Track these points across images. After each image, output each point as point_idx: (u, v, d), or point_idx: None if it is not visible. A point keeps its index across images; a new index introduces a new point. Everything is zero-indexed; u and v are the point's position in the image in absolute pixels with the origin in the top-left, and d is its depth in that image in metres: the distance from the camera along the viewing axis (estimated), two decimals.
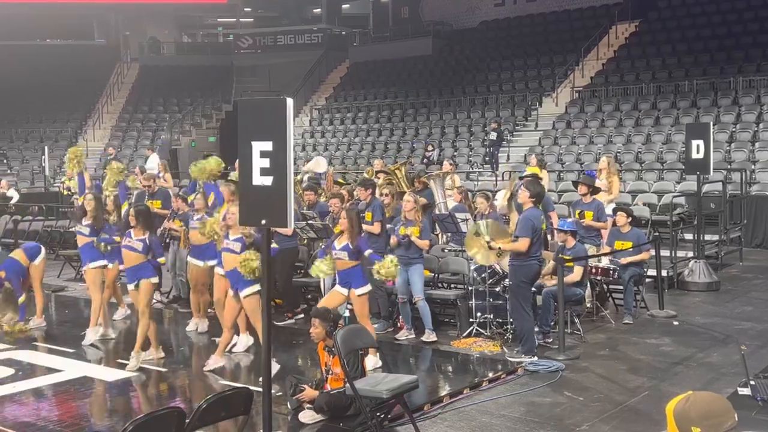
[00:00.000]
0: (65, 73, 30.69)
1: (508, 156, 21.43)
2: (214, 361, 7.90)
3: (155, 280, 8.26)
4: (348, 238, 7.84)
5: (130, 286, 8.19)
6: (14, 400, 7.09)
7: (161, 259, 8.40)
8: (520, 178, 10.49)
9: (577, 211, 10.19)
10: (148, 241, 8.07)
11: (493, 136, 21.02)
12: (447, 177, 12.54)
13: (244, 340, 8.51)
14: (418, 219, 8.71)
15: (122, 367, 8.05)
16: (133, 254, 8.11)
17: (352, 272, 7.99)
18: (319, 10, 39.01)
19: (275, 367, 7.26)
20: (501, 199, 10.99)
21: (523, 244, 7.76)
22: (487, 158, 21.02)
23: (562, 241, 9.17)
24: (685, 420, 2.34)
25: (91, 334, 9.04)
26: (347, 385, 5.94)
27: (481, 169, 20.55)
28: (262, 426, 5.24)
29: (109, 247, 9.00)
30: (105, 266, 9.20)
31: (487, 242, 8.11)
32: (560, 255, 8.76)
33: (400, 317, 9.30)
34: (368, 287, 8.11)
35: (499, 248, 8.09)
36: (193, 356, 8.63)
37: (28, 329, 9.58)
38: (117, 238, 8.81)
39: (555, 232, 9.95)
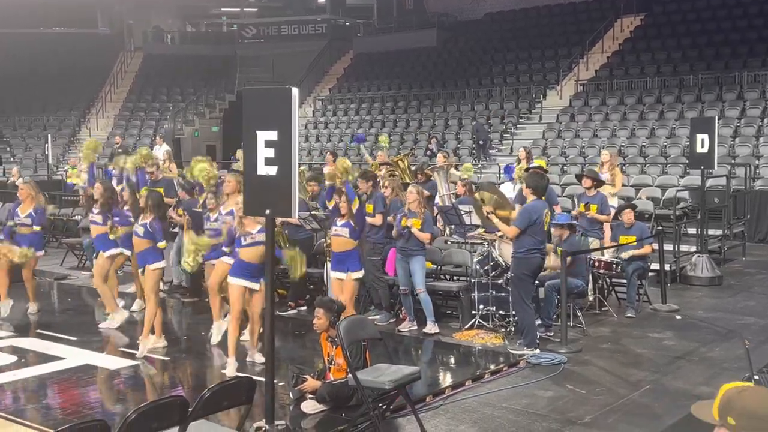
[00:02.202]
0: (69, 61, 30.65)
1: (512, 148, 21.39)
2: (258, 358, 7.62)
3: (159, 265, 8.24)
4: (349, 216, 7.96)
5: (140, 272, 8.27)
6: (16, 387, 7.10)
7: (161, 244, 8.19)
8: (526, 170, 10.50)
9: (582, 204, 10.19)
10: (149, 226, 8.06)
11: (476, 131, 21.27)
12: (449, 169, 12.53)
13: (217, 328, 8.46)
14: (420, 211, 8.70)
15: (124, 355, 8.07)
16: (137, 239, 8.18)
17: (351, 254, 8.04)
18: (323, 0, 38.88)
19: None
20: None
21: (511, 230, 7.82)
22: (482, 153, 21.12)
23: (558, 235, 9.16)
24: (727, 407, 2.25)
25: (119, 317, 9.14)
26: (349, 375, 5.94)
27: (484, 162, 20.54)
28: (264, 415, 5.25)
29: (120, 229, 8.96)
30: (120, 254, 9.24)
31: (488, 212, 8.16)
32: (559, 248, 8.78)
33: (403, 309, 9.31)
34: (362, 272, 8.16)
35: (493, 222, 8.17)
36: (196, 345, 8.62)
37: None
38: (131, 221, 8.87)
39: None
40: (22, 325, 9.54)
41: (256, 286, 7.45)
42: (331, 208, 8.61)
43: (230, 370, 7.29)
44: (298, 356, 8.06)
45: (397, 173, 12.12)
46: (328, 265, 9.45)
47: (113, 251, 9.23)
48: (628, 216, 9.98)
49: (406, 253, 8.70)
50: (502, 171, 18.26)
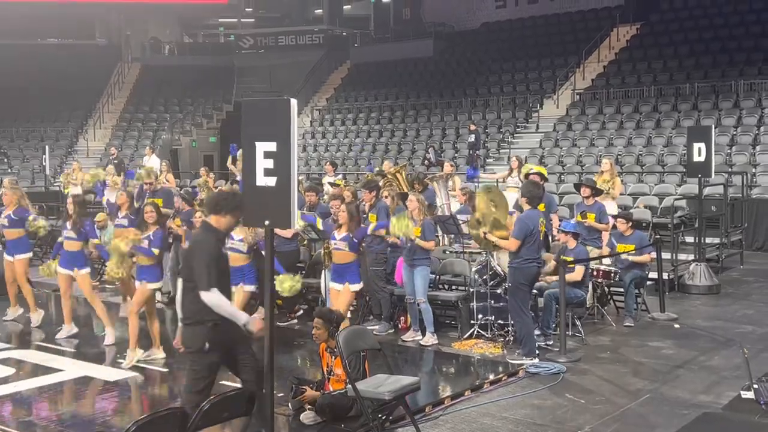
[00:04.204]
0: (66, 72, 30.65)
1: (509, 157, 21.39)
2: None
3: (156, 285, 8.29)
4: (347, 229, 8.00)
5: (137, 284, 8.25)
6: (15, 399, 7.08)
7: (154, 250, 8.14)
8: (526, 176, 10.53)
9: (579, 213, 10.19)
10: (152, 236, 8.11)
11: (472, 138, 21.25)
12: (449, 179, 12.54)
13: None
14: (420, 219, 8.71)
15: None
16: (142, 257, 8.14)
17: (350, 267, 8.07)
18: (320, 10, 39.01)
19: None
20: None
21: (512, 243, 7.81)
22: (472, 161, 21.17)
23: (564, 242, 9.18)
24: None
25: (64, 332, 9.27)
26: (349, 386, 5.93)
27: (483, 171, 20.54)
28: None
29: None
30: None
31: (485, 233, 8.17)
32: (561, 255, 8.79)
33: (402, 318, 9.31)
34: (361, 285, 8.20)
35: (493, 243, 8.17)
36: None
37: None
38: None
39: (556, 233, 9.94)
40: (20, 336, 9.53)
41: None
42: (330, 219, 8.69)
43: None
44: (298, 367, 8.05)
45: (394, 184, 12.10)
46: (325, 274, 9.45)
47: (87, 269, 9.24)
48: (620, 225, 9.97)
49: (410, 262, 8.71)
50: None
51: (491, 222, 8.28)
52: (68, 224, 9.07)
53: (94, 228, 9.50)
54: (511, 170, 12.59)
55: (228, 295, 5.27)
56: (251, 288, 8.18)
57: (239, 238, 7.95)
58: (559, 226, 9.67)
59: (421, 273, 8.69)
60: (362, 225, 8.53)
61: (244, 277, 8.09)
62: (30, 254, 10.27)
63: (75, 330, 9.36)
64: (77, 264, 9.03)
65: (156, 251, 8.18)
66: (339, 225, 8.26)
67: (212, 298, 5.02)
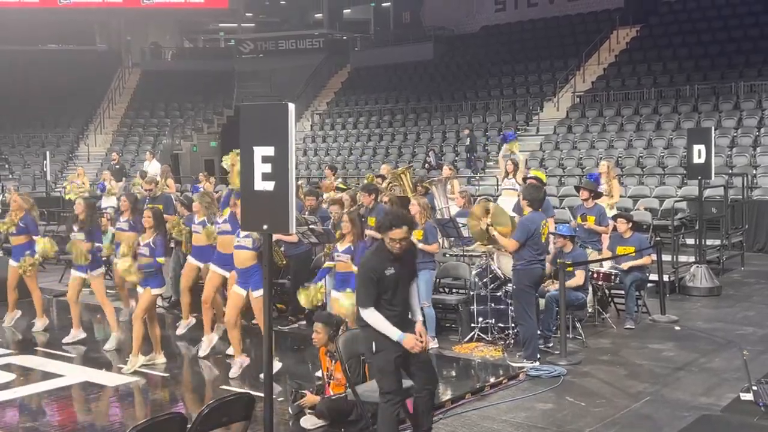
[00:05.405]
0: (67, 78, 30.73)
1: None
2: (240, 363, 7.79)
3: (160, 291, 8.31)
4: (350, 240, 7.94)
5: (140, 289, 8.25)
6: (15, 405, 7.09)
7: (160, 259, 8.14)
8: (524, 180, 10.53)
9: (579, 216, 10.19)
10: (152, 243, 8.06)
11: (468, 141, 21.27)
12: (448, 182, 12.52)
13: (207, 341, 8.61)
14: (421, 223, 8.70)
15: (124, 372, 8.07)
16: (142, 258, 8.14)
17: (353, 276, 8.03)
18: (320, 15, 39.05)
19: (277, 365, 7.31)
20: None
21: (511, 243, 7.82)
22: (470, 164, 21.20)
23: (561, 246, 9.17)
24: None
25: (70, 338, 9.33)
26: (349, 390, 5.94)
27: (482, 174, 20.58)
28: (263, 431, 5.24)
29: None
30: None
31: (488, 224, 8.11)
32: (559, 260, 8.78)
33: None
34: None
35: (492, 235, 8.12)
36: (195, 361, 8.60)
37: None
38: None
39: (551, 237, 9.93)
40: (21, 342, 9.54)
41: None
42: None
43: (234, 371, 7.62)
44: (298, 371, 8.04)
45: (398, 186, 12.07)
46: (326, 279, 9.45)
47: (101, 270, 9.32)
48: (620, 225, 9.98)
49: None
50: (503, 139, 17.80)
51: (496, 217, 8.24)
52: (75, 227, 9.11)
53: (100, 232, 9.59)
54: (507, 173, 12.49)
55: (405, 303, 5.40)
56: (261, 293, 7.40)
57: (245, 235, 7.76)
58: (554, 230, 9.63)
59: (425, 277, 8.66)
60: (365, 238, 8.38)
61: (251, 281, 7.66)
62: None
63: (83, 335, 9.36)
64: (90, 266, 9.06)
65: (161, 260, 8.17)
66: (342, 235, 8.19)
67: (367, 315, 5.26)
